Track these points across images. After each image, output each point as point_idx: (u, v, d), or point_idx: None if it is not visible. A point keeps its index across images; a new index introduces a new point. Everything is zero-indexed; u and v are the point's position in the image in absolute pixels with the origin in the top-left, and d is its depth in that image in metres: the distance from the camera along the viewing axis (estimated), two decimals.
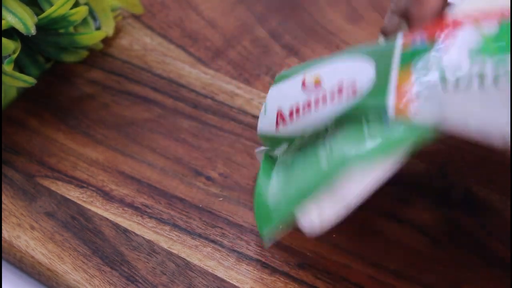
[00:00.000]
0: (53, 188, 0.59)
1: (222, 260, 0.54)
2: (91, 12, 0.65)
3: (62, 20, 0.59)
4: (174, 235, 0.56)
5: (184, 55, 0.67)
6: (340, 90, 0.48)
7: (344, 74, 0.49)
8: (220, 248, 0.55)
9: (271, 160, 0.54)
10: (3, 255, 0.57)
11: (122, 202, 0.58)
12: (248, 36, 0.68)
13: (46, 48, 0.63)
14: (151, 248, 0.55)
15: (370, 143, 0.46)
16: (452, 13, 0.48)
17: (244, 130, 0.61)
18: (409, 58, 0.46)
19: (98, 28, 0.66)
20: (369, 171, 0.45)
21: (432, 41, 0.46)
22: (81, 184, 0.59)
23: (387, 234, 0.54)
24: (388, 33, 0.52)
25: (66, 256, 0.55)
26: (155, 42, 0.68)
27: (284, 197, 0.50)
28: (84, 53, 0.66)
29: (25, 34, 0.57)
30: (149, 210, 0.57)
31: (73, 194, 0.59)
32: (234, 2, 0.71)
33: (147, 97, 0.64)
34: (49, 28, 0.60)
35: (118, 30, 0.69)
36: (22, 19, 0.57)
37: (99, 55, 0.68)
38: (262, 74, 0.65)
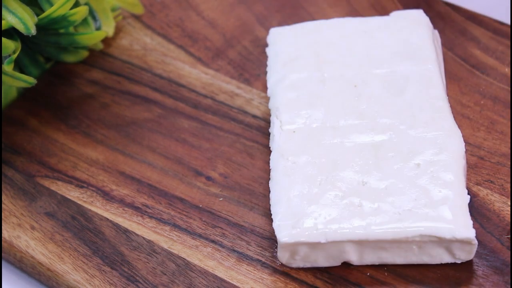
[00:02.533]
0: (53, 188, 0.59)
1: (223, 260, 0.54)
2: (91, 12, 0.65)
3: (62, 20, 0.59)
4: (174, 235, 0.56)
5: (184, 55, 0.67)
6: None
7: None
8: (220, 248, 0.55)
9: None
10: (3, 255, 0.57)
11: (122, 202, 0.58)
12: (248, 36, 0.68)
13: (46, 48, 0.63)
14: (151, 248, 0.55)
15: None
16: None
17: (244, 130, 0.61)
18: None
19: (98, 28, 0.66)
20: None
21: None
22: (81, 184, 0.59)
23: None
24: None
25: (66, 256, 0.55)
26: (155, 42, 0.68)
27: None
28: (84, 53, 0.66)
29: (25, 34, 0.57)
30: (149, 210, 0.57)
31: (73, 194, 0.59)
32: (234, 2, 0.71)
33: (147, 97, 0.64)
34: (49, 28, 0.60)
35: (118, 30, 0.69)
36: (22, 19, 0.57)
37: (99, 55, 0.68)
38: (262, 74, 0.65)
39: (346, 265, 0.53)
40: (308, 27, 0.62)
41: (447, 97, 0.57)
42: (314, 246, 0.51)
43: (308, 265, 0.52)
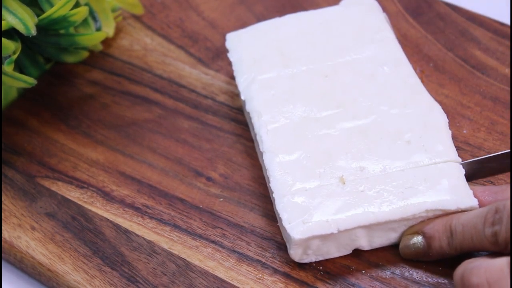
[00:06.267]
0: (53, 189, 0.59)
1: (223, 261, 0.54)
2: (92, 13, 0.65)
3: (63, 20, 0.59)
4: (174, 235, 0.56)
5: (184, 55, 0.67)
6: None
7: None
8: (220, 249, 0.55)
9: None
10: (3, 255, 0.58)
11: (122, 202, 0.58)
12: None
13: (46, 48, 0.63)
14: (152, 249, 0.55)
15: None
16: None
17: (245, 131, 0.61)
18: None
19: (98, 29, 0.66)
20: None
21: None
22: (81, 184, 0.59)
23: None
24: None
25: (66, 256, 0.55)
26: (155, 43, 0.68)
27: None
28: (85, 54, 0.66)
29: (25, 34, 0.57)
30: (149, 211, 0.57)
31: (73, 194, 0.59)
32: (234, 2, 0.71)
33: (147, 97, 0.64)
34: (49, 29, 0.60)
35: (118, 31, 0.69)
36: (23, 20, 0.57)
37: (99, 56, 0.68)
38: None
39: (346, 265, 0.53)
40: (263, 27, 0.63)
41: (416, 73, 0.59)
42: (326, 237, 0.51)
43: (320, 258, 0.53)
